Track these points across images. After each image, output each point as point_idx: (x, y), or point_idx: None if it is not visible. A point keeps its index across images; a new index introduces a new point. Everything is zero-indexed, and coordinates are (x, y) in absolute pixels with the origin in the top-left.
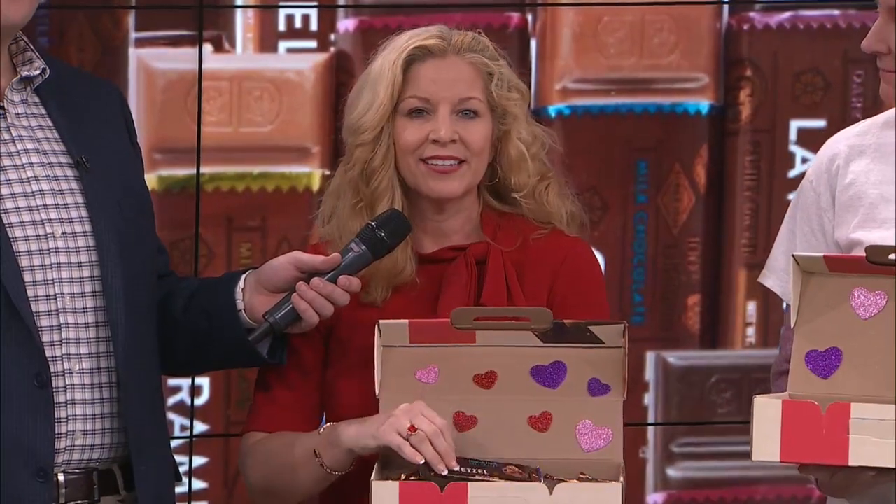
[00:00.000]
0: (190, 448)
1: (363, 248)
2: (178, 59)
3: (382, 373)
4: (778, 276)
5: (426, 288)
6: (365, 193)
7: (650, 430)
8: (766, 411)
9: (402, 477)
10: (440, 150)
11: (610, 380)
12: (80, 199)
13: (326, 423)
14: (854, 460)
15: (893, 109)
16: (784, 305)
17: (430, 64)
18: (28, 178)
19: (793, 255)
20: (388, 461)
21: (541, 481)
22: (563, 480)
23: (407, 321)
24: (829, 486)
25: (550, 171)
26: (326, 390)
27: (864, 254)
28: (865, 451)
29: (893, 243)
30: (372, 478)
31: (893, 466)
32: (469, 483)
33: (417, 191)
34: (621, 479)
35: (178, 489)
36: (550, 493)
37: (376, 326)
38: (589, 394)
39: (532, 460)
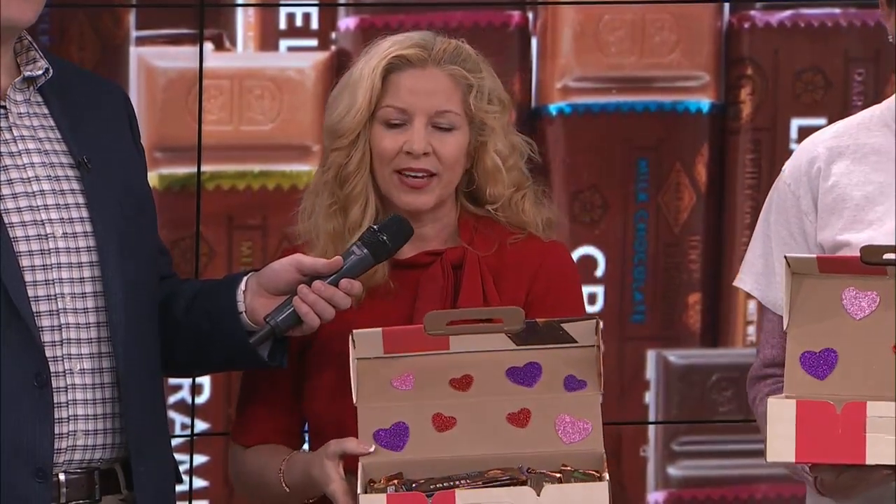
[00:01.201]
0: (191, 446)
1: (364, 251)
2: (179, 58)
3: (359, 382)
4: (756, 280)
5: (403, 293)
6: (339, 197)
7: (651, 428)
8: (781, 412)
9: (384, 481)
10: (413, 163)
11: (585, 376)
12: (81, 200)
13: (308, 430)
14: (871, 459)
15: (867, 111)
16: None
17: (409, 74)
18: (29, 178)
19: (785, 257)
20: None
21: (525, 478)
22: (547, 474)
23: (380, 329)
24: (833, 486)
25: (528, 181)
26: (307, 398)
27: (855, 254)
28: (882, 449)
29: (883, 242)
30: (358, 490)
31: None
32: (457, 491)
33: (390, 200)
34: (606, 475)
35: (180, 488)
36: (538, 494)
37: (350, 337)
38: (565, 390)
39: (513, 454)
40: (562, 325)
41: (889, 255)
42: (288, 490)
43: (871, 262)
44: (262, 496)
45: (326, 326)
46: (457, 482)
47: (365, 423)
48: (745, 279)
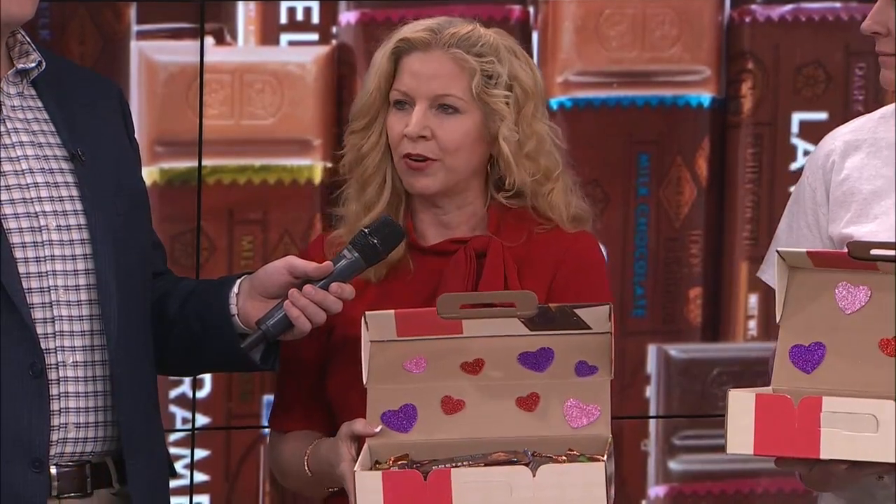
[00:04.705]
0: (192, 441)
1: (355, 255)
2: (180, 52)
3: (371, 365)
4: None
5: (427, 279)
6: (358, 179)
7: (651, 422)
8: (740, 404)
9: (391, 462)
10: (410, 147)
11: (597, 361)
12: (74, 193)
13: (334, 415)
14: (825, 453)
15: (893, 104)
16: None
17: (414, 57)
18: (23, 171)
19: (777, 251)
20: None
21: (528, 461)
22: (551, 457)
23: (392, 311)
24: (809, 479)
25: (556, 171)
26: (335, 399)
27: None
28: (837, 444)
29: (882, 237)
30: (356, 467)
31: (864, 460)
32: (452, 469)
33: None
34: (605, 456)
35: (181, 482)
36: (534, 475)
37: (363, 318)
38: (576, 375)
39: (520, 438)
40: (575, 310)
41: (876, 251)
42: (310, 474)
43: (858, 257)
44: (292, 483)
45: (347, 316)
46: (459, 463)
47: (374, 405)
48: (766, 270)
